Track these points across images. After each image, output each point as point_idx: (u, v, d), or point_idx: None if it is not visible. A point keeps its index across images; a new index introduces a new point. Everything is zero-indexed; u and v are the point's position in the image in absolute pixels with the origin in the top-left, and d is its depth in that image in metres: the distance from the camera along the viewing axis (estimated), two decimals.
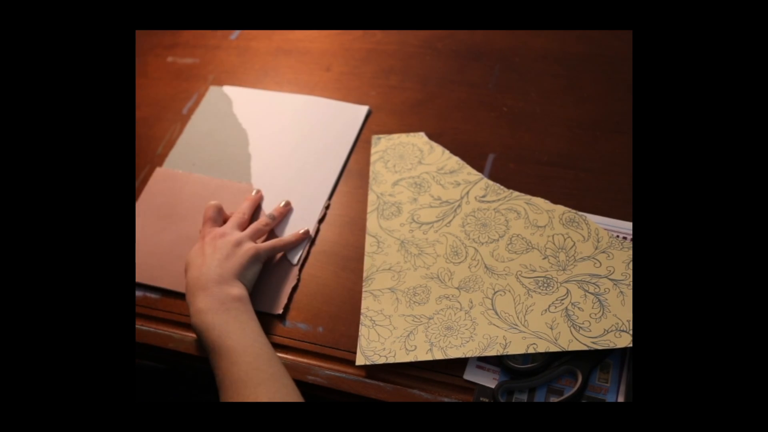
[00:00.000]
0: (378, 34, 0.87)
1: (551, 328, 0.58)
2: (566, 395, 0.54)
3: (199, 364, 0.63)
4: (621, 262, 0.61)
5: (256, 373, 0.53)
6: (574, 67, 0.78)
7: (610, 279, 0.60)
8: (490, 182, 0.69)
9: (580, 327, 0.57)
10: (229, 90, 0.85)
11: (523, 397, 0.56)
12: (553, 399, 0.55)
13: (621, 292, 0.59)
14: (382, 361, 0.58)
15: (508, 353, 0.56)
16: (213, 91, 0.85)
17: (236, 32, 0.92)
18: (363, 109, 0.79)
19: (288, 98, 0.82)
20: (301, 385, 0.60)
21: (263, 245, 0.65)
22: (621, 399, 0.54)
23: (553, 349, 0.56)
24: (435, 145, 0.74)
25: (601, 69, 0.77)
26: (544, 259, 0.63)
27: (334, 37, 0.88)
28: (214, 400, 0.55)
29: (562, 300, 0.59)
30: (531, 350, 0.56)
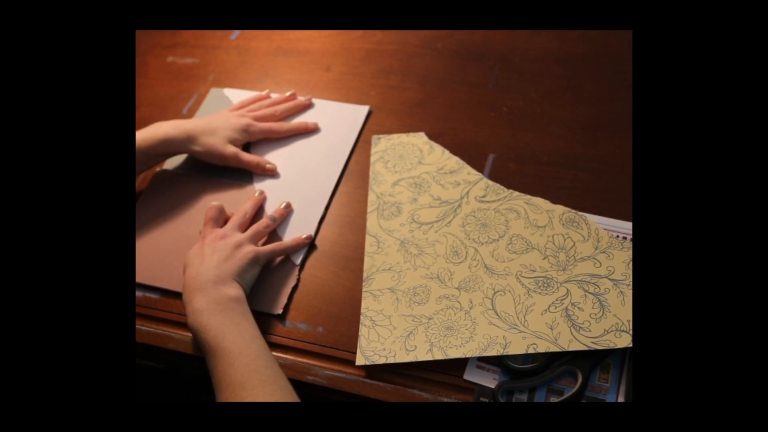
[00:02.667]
0: (378, 34, 0.87)
1: (551, 328, 0.58)
2: (566, 395, 0.54)
3: (199, 364, 0.63)
4: (621, 262, 0.61)
5: (252, 375, 0.53)
6: (574, 67, 0.78)
7: (610, 279, 0.60)
8: (490, 182, 0.69)
9: (580, 327, 0.57)
10: (229, 92, 0.85)
11: (523, 397, 0.56)
12: (553, 399, 0.55)
13: (621, 292, 0.59)
14: (382, 361, 0.58)
15: (508, 353, 0.56)
16: (214, 93, 0.85)
17: (236, 32, 0.92)
18: (364, 109, 0.79)
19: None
20: (301, 385, 0.60)
21: (263, 249, 0.65)
22: (621, 399, 0.54)
23: (554, 349, 0.56)
24: (435, 145, 0.74)
25: (601, 69, 0.77)
26: (544, 259, 0.63)
27: (334, 37, 0.88)
28: (213, 400, 0.55)
29: (562, 300, 0.59)
30: (531, 350, 0.56)
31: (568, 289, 0.60)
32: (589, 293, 0.59)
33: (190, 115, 0.83)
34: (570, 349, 0.56)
